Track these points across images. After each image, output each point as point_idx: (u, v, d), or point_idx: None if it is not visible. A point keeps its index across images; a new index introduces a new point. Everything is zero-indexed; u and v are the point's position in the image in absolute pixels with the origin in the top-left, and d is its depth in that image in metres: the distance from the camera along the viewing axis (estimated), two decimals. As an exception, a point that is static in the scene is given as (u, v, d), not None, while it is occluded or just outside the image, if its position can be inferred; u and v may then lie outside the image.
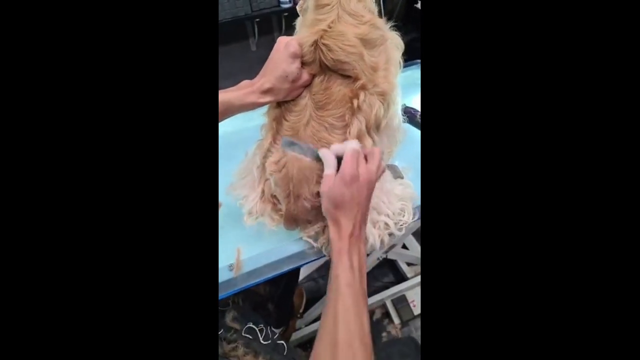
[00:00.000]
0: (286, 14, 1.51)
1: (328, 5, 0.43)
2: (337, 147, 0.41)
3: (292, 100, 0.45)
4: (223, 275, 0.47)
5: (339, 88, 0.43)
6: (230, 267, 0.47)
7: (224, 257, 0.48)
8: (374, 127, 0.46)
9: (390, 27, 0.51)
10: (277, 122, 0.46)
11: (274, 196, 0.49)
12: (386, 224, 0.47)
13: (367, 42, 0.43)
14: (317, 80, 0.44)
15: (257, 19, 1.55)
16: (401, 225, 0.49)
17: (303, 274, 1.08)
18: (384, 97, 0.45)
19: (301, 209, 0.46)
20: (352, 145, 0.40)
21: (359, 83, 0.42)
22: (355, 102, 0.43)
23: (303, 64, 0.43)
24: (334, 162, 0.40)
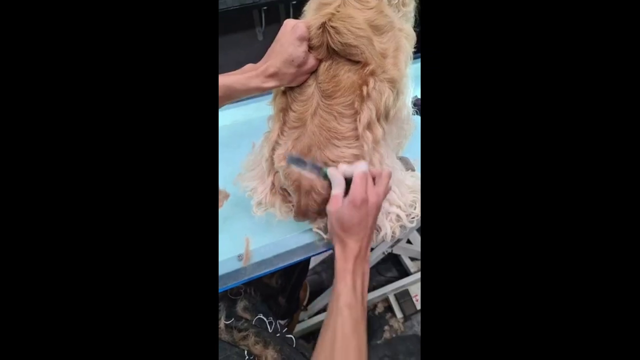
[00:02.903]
0: (294, 2, 1.48)
1: None
2: (345, 168, 0.41)
3: (298, 88, 0.44)
4: (232, 265, 0.46)
5: (347, 75, 0.42)
6: (240, 257, 0.47)
7: (232, 247, 0.48)
8: (384, 116, 0.45)
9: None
10: (284, 112, 0.45)
11: (283, 189, 0.48)
12: (398, 215, 0.47)
13: (374, 28, 0.42)
14: (323, 67, 0.42)
15: (265, 7, 1.52)
16: (412, 217, 0.48)
17: (307, 266, 1.09)
18: (393, 84, 0.44)
19: (311, 202, 0.45)
20: (361, 167, 0.40)
21: (368, 69, 0.41)
22: (364, 89, 0.41)
23: (310, 48, 0.42)
24: (342, 182, 0.40)
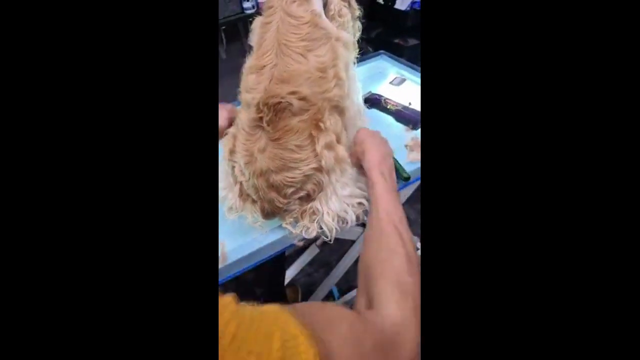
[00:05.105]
0: (251, 19, 1.54)
1: (272, 7, 0.48)
2: None
3: (246, 127, 0.48)
4: (210, 268, 0.49)
5: (296, 124, 0.45)
6: (216, 260, 0.49)
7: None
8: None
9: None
10: (235, 138, 0.49)
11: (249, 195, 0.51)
12: (360, 202, 0.51)
13: (310, 42, 0.47)
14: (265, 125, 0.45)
15: (223, 27, 1.57)
16: None
17: (296, 270, 1.11)
18: (339, 103, 0.49)
19: (276, 208, 0.49)
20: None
21: (316, 111, 0.46)
22: (321, 125, 0.46)
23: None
24: None
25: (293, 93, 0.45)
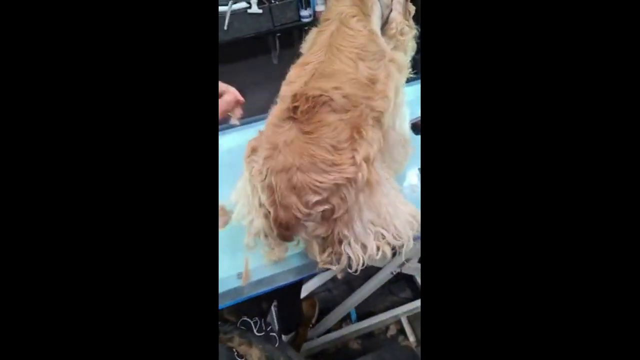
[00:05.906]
0: (307, 27, 1.56)
1: (329, 20, 0.46)
2: None
3: (275, 120, 0.44)
4: (232, 283, 0.48)
5: (334, 121, 0.41)
6: (239, 276, 0.49)
7: (233, 266, 0.50)
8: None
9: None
10: (261, 135, 0.45)
11: (262, 205, 0.43)
12: (381, 233, 0.45)
13: (363, 52, 0.45)
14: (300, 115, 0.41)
15: (279, 34, 1.62)
16: (401, 238, 0.47)
17: (316, 283, 1.08)
18: (382, 117, 0.45)
19: (292, 218, 0.41)
20: None
21: (362, 130, 0.42)
22: (363, 132, 0.42)
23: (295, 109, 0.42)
24: None
25: (336, 88, 0.42)
